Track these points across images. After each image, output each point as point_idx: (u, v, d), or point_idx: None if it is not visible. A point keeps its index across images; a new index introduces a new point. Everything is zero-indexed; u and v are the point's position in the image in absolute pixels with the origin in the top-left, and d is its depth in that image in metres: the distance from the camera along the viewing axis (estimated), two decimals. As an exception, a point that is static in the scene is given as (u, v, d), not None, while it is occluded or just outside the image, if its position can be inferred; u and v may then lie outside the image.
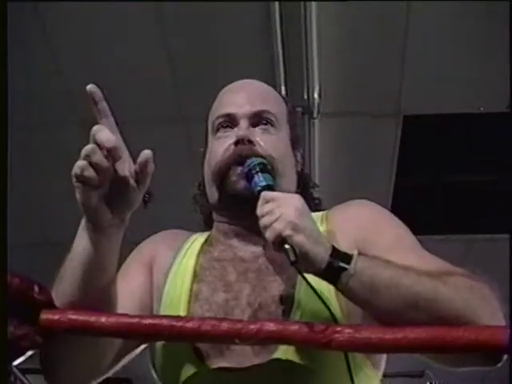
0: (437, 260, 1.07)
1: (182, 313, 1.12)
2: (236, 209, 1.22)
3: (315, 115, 3.24)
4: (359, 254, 0.98)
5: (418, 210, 3.82)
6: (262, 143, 1.25)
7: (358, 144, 3.59)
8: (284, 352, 1.00)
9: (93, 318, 0.91)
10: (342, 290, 0.96)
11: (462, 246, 4.13)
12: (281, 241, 0.95)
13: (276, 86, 2.84)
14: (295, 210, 0.99)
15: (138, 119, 3.29)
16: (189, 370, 1.08)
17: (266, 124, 1.28)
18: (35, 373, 4.62)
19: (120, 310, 1.08)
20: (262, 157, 1.20)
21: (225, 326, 0.83)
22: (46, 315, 0.94)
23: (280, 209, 0.99)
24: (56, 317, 0.93)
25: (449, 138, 3.55)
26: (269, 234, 0.97)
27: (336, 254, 0.97)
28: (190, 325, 0.84)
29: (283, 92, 2.96)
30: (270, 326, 0.81)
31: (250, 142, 1.24)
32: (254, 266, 1.18)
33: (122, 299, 1.12)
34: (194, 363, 1.07)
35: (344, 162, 3.71)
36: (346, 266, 0.95)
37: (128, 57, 3.14)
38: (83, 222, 1.01)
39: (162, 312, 1.16)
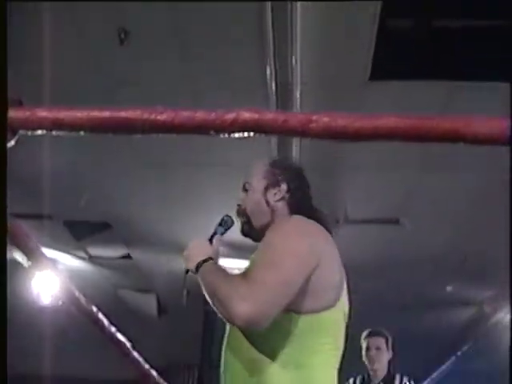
0: (258, 267, 1.67)
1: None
2: None
3: None
4: (201, 265, 1.79)
5: (401, 53, 3.76)
6: (242, 204, 2.02)
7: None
8: None
9: (62, 114, 0.88)
10: None
11: (445, 92, 4.11)
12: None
13: None
14: (194, 243, 1.90)
15: None
16: None
17: (246, 191, 2.02)
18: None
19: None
20: (239, 213, 2.02)
21: (199, 116, 0.81)
22: (14, 113, 0.91)
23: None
24: (25, 114, 0.90)
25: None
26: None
27: (196, 265, 1.80)
28: (163, 117, 0.82)
29: None
30: (246, 116, 0.79)
31: (238, 205, 2.03)
32: None
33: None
34: None
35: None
36: (192, 272, 1.82)
37: None
38: None
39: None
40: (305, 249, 1.70)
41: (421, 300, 7.43)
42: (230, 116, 0.79)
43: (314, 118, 0.77)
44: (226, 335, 1.82)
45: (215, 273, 1.74)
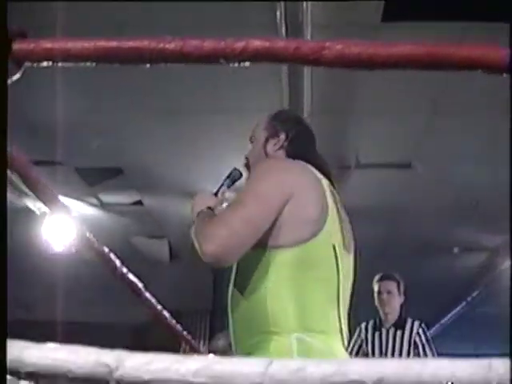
0: (232, 207, 1.77)
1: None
2: None
3: None
4: (200, 213, 1.87)
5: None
6: (247, 155, 2.12)
7: None
8: None
9: (69, 45, 0.86)
10: None
11: (458, 34, 4.03)
12: None
13: None
14: (198, 196, 2.00)
15: None
16: None
17: (252, 143, 2.11)
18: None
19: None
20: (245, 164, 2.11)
21: (208, 45, 0.78)
22: (18, 45, 0.88)
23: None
24: (30, 46, 0.88)
25: None
26: None
27: (198, 213, 1.88)
28: (171, 46, 0.80)
29: None
30: (256, 44, 0.76)
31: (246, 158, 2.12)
32: None
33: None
34: None
35: None
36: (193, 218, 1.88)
37: None
38: None
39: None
40: (272, 186, 1.77)
41: (432, 245, 7.44)
42: (240, 44, 0.77)
43: (327, 44, 0.75)
44: (233, 275, 1.86)
45: (202, 218, 1.84)
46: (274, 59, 0.77)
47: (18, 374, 0.63)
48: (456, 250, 7.59)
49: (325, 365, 0.63)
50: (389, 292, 4.26)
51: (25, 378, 0.64)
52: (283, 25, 3.65)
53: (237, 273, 1.84)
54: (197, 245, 1.72)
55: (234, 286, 1.85)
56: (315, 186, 1.83)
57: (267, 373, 0.61)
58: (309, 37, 3.72)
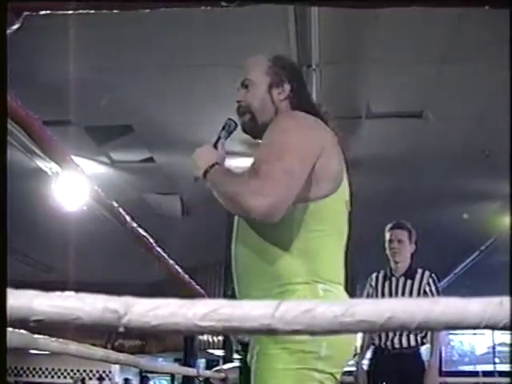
0: (263, 162, 1.75)
1: None
2: None
3: None
4: (213, 170, 1.84)
5: None
6: (243, 100, 2.02)
7: None
8: None
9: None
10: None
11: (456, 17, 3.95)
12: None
13: None
14: (199, 151, 1.94)
15: None
16: None
17: (246, 87, 2.03)
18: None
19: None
20: (242, 110, 2.02)
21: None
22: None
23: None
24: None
25: None
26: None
27: (204, 172, 1.86)
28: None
29: None
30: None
31: (238, 101, 2.03)
32: None
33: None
34: None
35: None
36: (202, 176, 1.87)
37: None
38: None
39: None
40: (306, 141, 1.82)
41: (444, 195, 7.42)
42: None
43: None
44: (235, 229, 1.91)
45: (223, 174, 1.84)
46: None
47: (26, 323, 0.63)
48: (468, 198, 7.57)
49: (334, 306, 0.63)
50: (400, 241, 4.25)
51: (33, 327, 0.64)
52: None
53: (244, 228, 1.85)
54: (236, 204, 1.71)
55: (241, 240, 1.88)
56: (335, 142, 1.89)
57: (276, 314, 0.61)
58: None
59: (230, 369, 4.84)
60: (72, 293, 0.66)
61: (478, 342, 14.32)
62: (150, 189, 7.61)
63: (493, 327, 0.63)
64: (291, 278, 1.75)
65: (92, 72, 4.87)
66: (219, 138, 2.04)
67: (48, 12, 0.85)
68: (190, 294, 3.37)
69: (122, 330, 0.63)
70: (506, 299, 0.62)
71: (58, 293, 0.66)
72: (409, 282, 4.21)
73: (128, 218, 1.96)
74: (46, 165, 6.11)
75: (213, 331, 0.63)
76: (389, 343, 4.14)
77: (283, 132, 1.82)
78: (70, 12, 0.83)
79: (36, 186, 6.21)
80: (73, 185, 5.25)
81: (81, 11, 0.83)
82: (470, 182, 7.06)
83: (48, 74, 4.76)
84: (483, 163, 6.33)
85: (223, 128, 2.06)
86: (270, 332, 0.62)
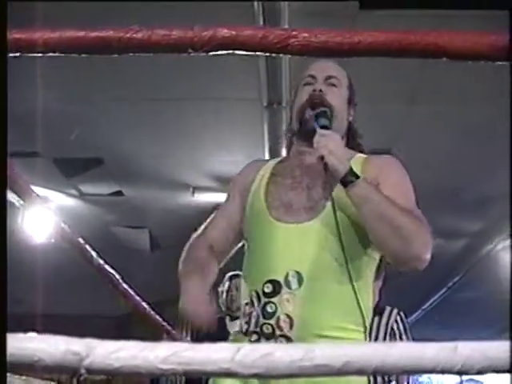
0: (409, 203, 1.73)
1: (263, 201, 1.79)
2: (306, 137, 1.80)
3: None
4: (364, 179, 1.63)
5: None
6: (328, 95, 1.84)
7: None
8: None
9: (37, 35, 0.85)
10: (347, 193, 1.62)
11: (437, 22, 4.03)
12: (322, 158, 1.62)
13: None
14: (333, 142, 1.65)
15: None
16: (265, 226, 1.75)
17: (333, 85, 1.88)
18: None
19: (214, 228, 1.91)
20: (326, 105, 1.81)
21: (176, 34, 0.78)
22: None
23: (325, 140, 1.65)
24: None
25: None
26: (317, 154, 1.63)
27: (350, 172, 1.61)
28: (139, 36, 0.80)
29: None
30: (224, 32, 0.76)
31: (321, 91, 1.84)
32: (313, 169, 1.73)
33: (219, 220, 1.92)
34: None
35: None
36: (351, 180, 1.61)
37: None
38: None
39: (249, 217, 1.83)
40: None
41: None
42: (208, 33, 0.77)
43: (294, 33, 0.75)
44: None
45: (378, 192, 1.68)
46: (242, 48, 0.77)
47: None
48: (436, 236, 7.63)
49: (293, 350, 0.64)
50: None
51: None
52: (261, 16, 3.63)
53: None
54: (404, 241, 1.64)
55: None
56: None
57: (235, 358, 0.62)
58: (286, 26, 3.71)
59: None
60: (34, 334, 0.66)
61: (446, 379, 14.32)
62: (119, 222, 7.56)
63: (449, 371, 0.64)
64: (350, 323, 1.80)
65: (61, 103, 4.86)
66: (325, 127, 1.76)
67: (16, 53, 0.86)
68: (156, 329, 3.34)
69: (83, 371, 0.64)
70: (461, 344, 0.64)
71: (21, 334, 0.66)
72: (376, 319, 4.22)
73: (94, 255, 1.95)
74: (13, 196, 6.05)
75: (174, 373, 0.64)
76: None
77: (398, 175, 1.84)
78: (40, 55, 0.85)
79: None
80: (39, 218, 5.22)
81: (51, 54, 0.84)
82: (438, 219, 7.14)
83: (16, 104, 4.75)
84: (452, 201, 6.42)
85: (317, 116, 1.79)
86: (230, 375, 0.63)
